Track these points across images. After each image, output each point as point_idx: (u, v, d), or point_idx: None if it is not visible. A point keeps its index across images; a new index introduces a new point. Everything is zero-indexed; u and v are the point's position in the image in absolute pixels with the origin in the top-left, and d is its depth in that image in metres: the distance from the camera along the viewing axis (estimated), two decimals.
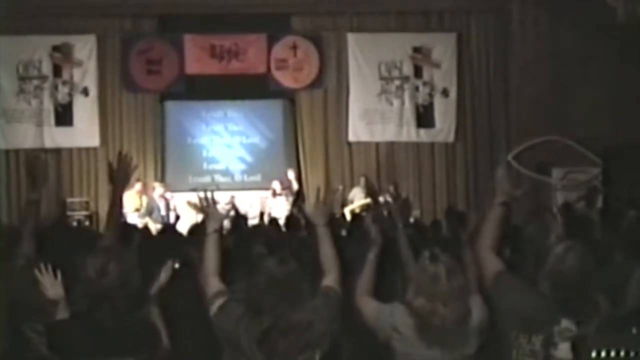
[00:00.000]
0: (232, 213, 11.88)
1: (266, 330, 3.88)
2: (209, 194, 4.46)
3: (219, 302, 4.08)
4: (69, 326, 4.16)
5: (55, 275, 4.23)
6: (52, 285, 4.16)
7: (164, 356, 4.45)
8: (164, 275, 4.80)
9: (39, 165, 5.19)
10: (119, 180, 5.16)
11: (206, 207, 4.45)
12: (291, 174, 16.61)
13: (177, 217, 8.93)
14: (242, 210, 13.17)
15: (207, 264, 4.26)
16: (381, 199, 15.51)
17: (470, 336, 4.15)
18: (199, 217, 6.10)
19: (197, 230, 6.88)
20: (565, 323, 3.92)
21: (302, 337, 3.91)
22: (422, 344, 4.12)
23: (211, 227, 4.36)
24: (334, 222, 7.06)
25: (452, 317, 4.07)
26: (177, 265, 5.08)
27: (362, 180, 16.50)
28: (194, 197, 4.58)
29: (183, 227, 8.34)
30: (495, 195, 4.45)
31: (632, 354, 3.56)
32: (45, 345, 4.21)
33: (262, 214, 13.89)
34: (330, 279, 4.26)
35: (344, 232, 8.07)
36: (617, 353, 3.55)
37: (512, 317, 4.14)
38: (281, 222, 10.11)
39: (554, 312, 3.96)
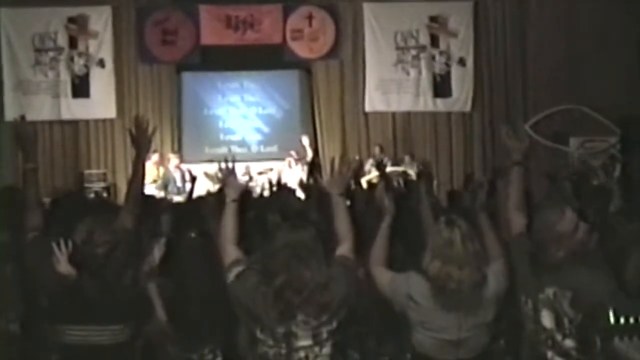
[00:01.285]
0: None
1: (280, 287, 3.92)
2: (228, 164, 4.46)
3: (236, 270, 4.10)
4: (62, 293, 4.21)
5: (68, 253, 4.23)
6: (65, 262, 4.18)
7: (159, 329, 4.47)
8: (157, 252, 4.79)
9: (26, 133, 4.96)
10: (141, 145, 5.08)
11: (225, 177, 4.46)
12: (305, 140, 16.56)
13: (194, 179, 8.86)
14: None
15: (225, 233, 4.27)
16: (397, 168, 15.46)
17: (486, 303, 4.16)
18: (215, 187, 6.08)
19: (212, 198, 6.88)
20: (546, 292, 3.99)
21: (317, 296, 3.94)
22: (437, 308, 4.15)
23: (230, 196, 4.37)
24: (351, 193, 7.08)
25: (467, 280, 4.10)
26: (193, 235, 5.08)
27: (377, 149, 16.43)
28: (210, 168, 4.59)
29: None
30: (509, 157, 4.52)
31: None
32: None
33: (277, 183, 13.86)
34: (345, 248, 4.26)
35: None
36: (636, 320, 3.55)
37: (518, 280, 4.21)
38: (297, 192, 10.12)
39: (543, 278, 4.03)
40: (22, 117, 5.08)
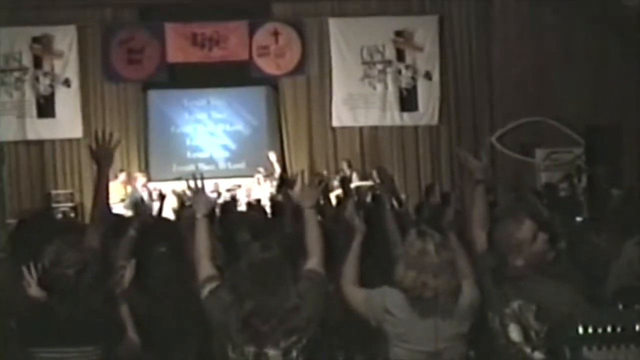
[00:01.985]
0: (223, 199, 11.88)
1: (247, 315, 3.93)
2: (198, 181, 4.46)
3: (210, 286, 4.12)
4: (31, 315, 4.17)
5: (36, 277, 4.19)
6: (35, 285, 4.14)
7: (131, 349, 4.44)
8: (128, 275, 4.77)
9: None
10: (102, 160, 5.02)
11: (194, 193, 4.46)
12: (272, 156, 16.55)
13: (163, 197, 8.84)
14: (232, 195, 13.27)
15: (199, 248, 4.28)
16: (366, 183, 15.51)
17: (462, 312, 4.17)
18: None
19: (181, 215, 6.89)
20: (512, 306, 4.01)
21: (284, 323, 3.96)
22: (415, 317, 4.14)
23: (200, 212, 4.38)
24: (320, 208, 7.08)
25: (443, 288, 4.11)
26: (163, 249, 5.06)
27: (345, 165, 16.46)
28: (178, 186, 4.59)
29: (168, 213, 8.34)
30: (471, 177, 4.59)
31: (618, 329, 3.58)
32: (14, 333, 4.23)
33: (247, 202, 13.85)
34: (313, 262, 4.26)
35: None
36: (604, 329, 3.57)
37: (485, 297, 4.21)
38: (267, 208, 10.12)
39: (507, 293, 4.05)
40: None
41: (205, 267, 4.20)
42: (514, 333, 3.99)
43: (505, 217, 4.27)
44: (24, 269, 4.17)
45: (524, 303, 3.97)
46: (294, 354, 3.98)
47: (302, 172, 4.70)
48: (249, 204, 12.84)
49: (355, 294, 4.40)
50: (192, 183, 4.46)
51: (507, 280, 4.08)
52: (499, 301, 4.06)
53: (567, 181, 14.18)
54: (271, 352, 3.95)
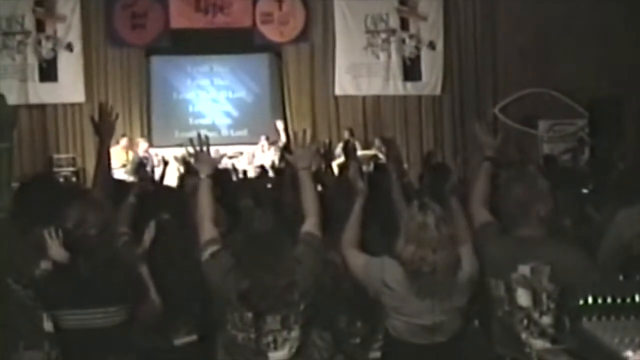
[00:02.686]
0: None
1: (244, 292, 3.94)
2: (201, 140, 4.46)
3: (212, 249, 4.11)
4: (50, 278, 4.17)
5: (60, 239, 4.20)
6: (57, 248, 4.15)
7: (153, 310, 4.45)
8: (147, 236, 4.77)
9: (5, 112, 4.99)
10: (104, 132, 5.13)
11: (197, 153, 4.45)
12: (280, 125, 16.57)
13: (166, 163, 8.83)
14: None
15: (201, 209, 4.27)
16: (369, 152, 15.50)
17: (461, 287, 4.16)
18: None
19: (185, 181, 6.88)
20: (521, 269, 3.97)
21: (280, 298, 3.97)
22: (412, 294, 4.12)
23: (203, 172, 4.37)
24: (322, 176, 7.07)
25: (442, 264, 4.07)
26: (166, 217, 5.06)
27: (347, 133, 16.45)
28: (180, 152, 4.58)
29: (170, 180, 8.33)
30: (480, 151, 4.54)
31: (618, 300, 3.58)
32: (30, 298, 4.22)
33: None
34: (309, 224, 4.25)
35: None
36: (604, 299, 3.57)
37: (485, 265, 4.19)
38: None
39: (514, 258, 4.01)
40: (1, 97, 5.03)
41: (208, 230, 4.19)
42: (523, 297, 3.95)
43: (513, 182, 4.23)
44: (45, 231, 4.18)
45: (538, 264, 3.93)
46: (292, 319, 4.00)
47: (304, 132, 4.67)
48: (260, 170, 12.85)
49: (355, 259, 4.37)
50: (195, 143, 4.46)
51: (516, 245, 4.06)
52: (506, 266, 4.03)
53: (570, 153, 14.16)
54: (269, 317, 3.98)
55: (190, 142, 4.49)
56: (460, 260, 4.16)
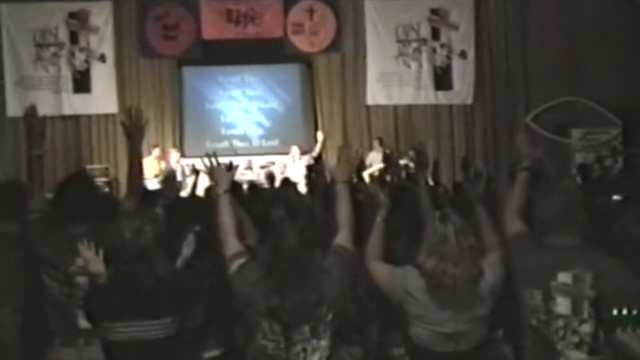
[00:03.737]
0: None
1: (274, 307, 3.95)
2: (212, 159, 4.50)
3: (239, 262, 4.14)
4: (107, 290, 4.16)
5: (97, 252, 4.23)
6: (94, 261, 4.18)
7: (196, 323, 4.48)
8: (187, 250, 4.81)
9: (34, 122, 5.13)
10: (134, 135, 5.21)
11: (213, 168, 4.49)
12: (320, 136, 16.58)
13: (197, 173, 8.88)
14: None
15: (223, 224, 4.30)
16: (401, 162, 15.48)
17: (483, 297, 4.16)
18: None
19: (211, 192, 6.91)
20: (562, 277, 3.91)
21: (309, 315, 3.98)
22: (433, 305, 4.14)
23: (221, 187, 4.42)
24: (353, 185, 7.07)
25: (463, 277, 4.09)
26: (197, 228, 5.09)
27: (376, 143, 16.44)
28: (218, 162, 4.59)
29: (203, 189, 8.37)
30: (518, 161, 4.50)
31: None
32: (65, 295, 4.26)
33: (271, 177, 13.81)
34: (342, 237, 4.27)
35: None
36: (639, 311, 3.54)
37: (520, 274, 4.16)
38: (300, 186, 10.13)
39: (553, 266, 3.95)
40: (33, 107, 5.18)
41: (233, 244, 4.22)
42: (562, 306, 3.90)
43: (554, 191, 4.20)
44: (80, 245, 4.21)
45: (579, 271, 3.88)
46: (321, 328, 4.01)
47: (341, 147, 4.72)
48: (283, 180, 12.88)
49: (379, 270, 4.42)
50: (207, 161, 4.50)
51: (554, 253, 4.02)
52: (543, 275, 3.98)
53: (599, 162, 14.07)
54: (299, 327, 3.99)
55: (202, 162, 4.53)
56: (482, 271, 4.16)
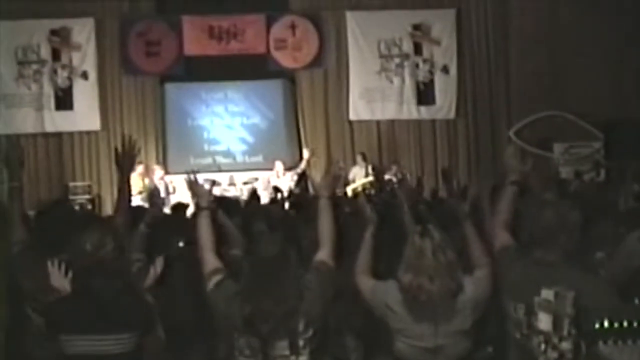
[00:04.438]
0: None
1: (248, 316, 3.95)
2: (191, 175, 4.54)
3: (216, 279, 4.15)
4: (67, 303, 4.21)
5: (63, 270, 4.25)
6: (59, 278, 4.20)
7: (158, 342, 4.47)
8: (153, 272, 4.82)
9: (13, 153, 5.28)
10: (125, 165, 5.34)
11: (192, 185, 4.52)
12: (306, 154, 16.53)
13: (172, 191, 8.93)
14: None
15: (202, 241, 4.33)
16: (386, 176, 15.50)
17: (462, 311, 4.16)
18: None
19: (181, 208, 6.95)
20: (544, 294, 3.89)
21: (283, 324, 3.96)
22: (411, 319, 4.15)
23: (201, 204, 4.45)
24: (336, 200, 7.08)
25: (439, 292, 4.09)
26: (181, 244, 5.11)
27: (359, 158, 16.45)
28: (196, 179, 4.61)
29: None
30: (505, 175, 4.52)
31: (635, 324, 3.55)
32: (44, 324, 4.26)
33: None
34: (323, 253, 4.28)
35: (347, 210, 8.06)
36: (620, 324, 3.55)
37: (505, 287, 4.17)
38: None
39: (537, 281, 3.93)
40: (9, 137, 5.38)
41: (210, 261, 4.24)
42: (543, 322, 3.90)
43: (544, 206, 4.20)
44: (48, 262, 4.23)
45: (562, 289, 3.88)
46: (301, 344, 3.99)
47: (328, 164, 4.74)
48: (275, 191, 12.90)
49: (364, 284, 4.43)
50: (186, 177, 4.54)
51: (539, 269, 4.02)
52: (527, 290, 3.99)
53: (578, 177, 14.12)
54: (277, 343, 3.97)
55: (184, 179, 4.59)
56: (462, 286, 4.16)
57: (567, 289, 3.83)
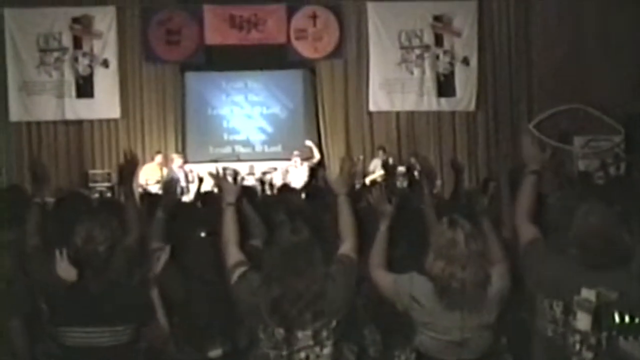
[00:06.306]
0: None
1: (276, 298, 3.98)
2: (220, 170, 4.56)
3: (239, 271, 4.18)
4: (61, 295, 4.26)
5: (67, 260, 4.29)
6: (66, 268, 4.23)
7: (159, 333, 4.50)
8: (163, 258, 4.83)
9: (39, 169, 5.40)
10: (126, 176, 5.53)
11: (221, 181, 4.54)
12: (310, 143, 16.55)
13: (201, 180, 8.88)
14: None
15: (226, 235, 4.37)
16: (401, 168, 15.48)
17: (490, 303, 4.14)
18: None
19: (209, 198, 6.94)
20: (585, 293, 3.85)
21: (312, 306, 3.99)
22: (441, 307, 4.12)
23: (227, 199, 4.48)
24: (356, 192, 7.07)
25: (471, 280, 4.07)
26: (203, 234, 5.12)
27: (380, 153, 16.42)
28: (214, 167, 4.64)
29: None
30: (524, 165, 4.47)
31: None
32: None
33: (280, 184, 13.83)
34: (347, 247, 4.30)
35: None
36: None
37: (540, 283, 4.12)
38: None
39: (578, 280, 3.89)
40: (36, 160, 5.52)
41: (234, 253, 4.29)
42: (582, 322, 3.85)
43: (591, 211, 4.10)
44: (56, 251, 4.26)
45: (604, 290, 3.83)
46: (324, 334, 4.02)
47: (342, 160, 4.75)
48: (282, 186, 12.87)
49: (383, 278, 4.40)
50: (214, 172, 4.56)
51: (579, 267, 3.97)
52: (566, 288, 3.92)
53: (602, 170, 14.02)
54: (300, 334, 4.00)
55: (209, 173, 4.59)
56: (490, 277, 4.14)
57: (609, 290, 3.78)
